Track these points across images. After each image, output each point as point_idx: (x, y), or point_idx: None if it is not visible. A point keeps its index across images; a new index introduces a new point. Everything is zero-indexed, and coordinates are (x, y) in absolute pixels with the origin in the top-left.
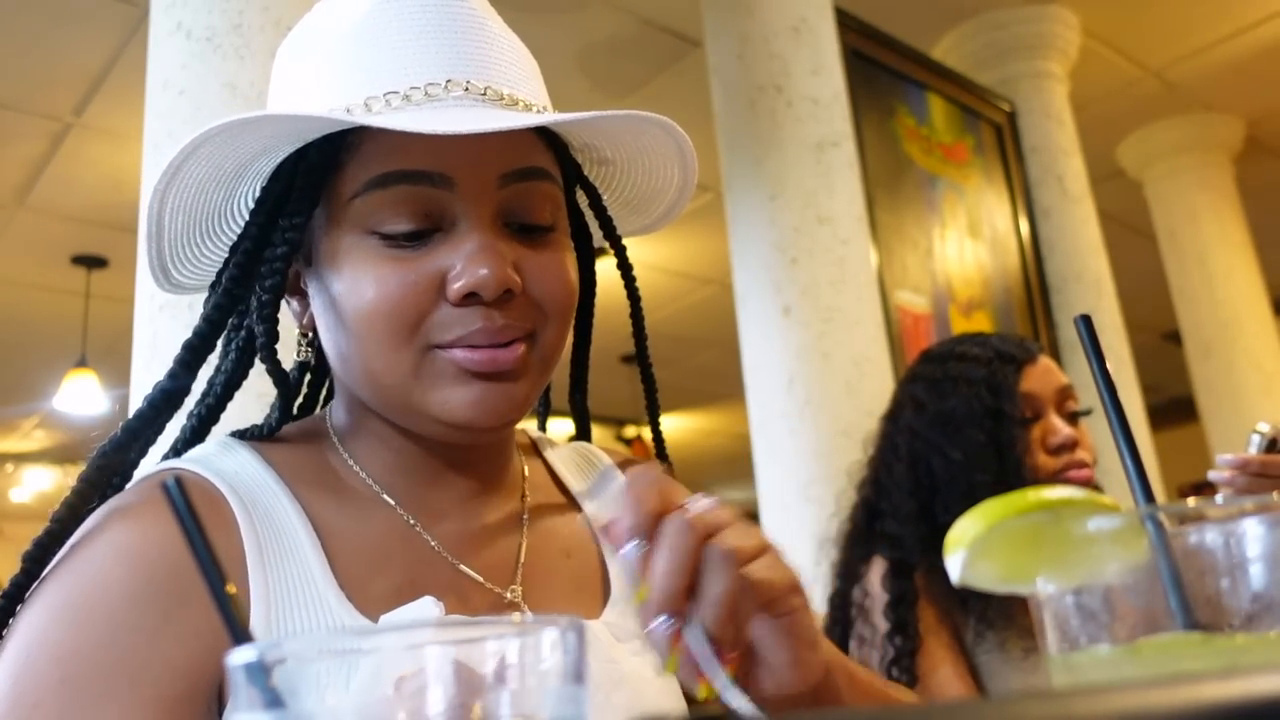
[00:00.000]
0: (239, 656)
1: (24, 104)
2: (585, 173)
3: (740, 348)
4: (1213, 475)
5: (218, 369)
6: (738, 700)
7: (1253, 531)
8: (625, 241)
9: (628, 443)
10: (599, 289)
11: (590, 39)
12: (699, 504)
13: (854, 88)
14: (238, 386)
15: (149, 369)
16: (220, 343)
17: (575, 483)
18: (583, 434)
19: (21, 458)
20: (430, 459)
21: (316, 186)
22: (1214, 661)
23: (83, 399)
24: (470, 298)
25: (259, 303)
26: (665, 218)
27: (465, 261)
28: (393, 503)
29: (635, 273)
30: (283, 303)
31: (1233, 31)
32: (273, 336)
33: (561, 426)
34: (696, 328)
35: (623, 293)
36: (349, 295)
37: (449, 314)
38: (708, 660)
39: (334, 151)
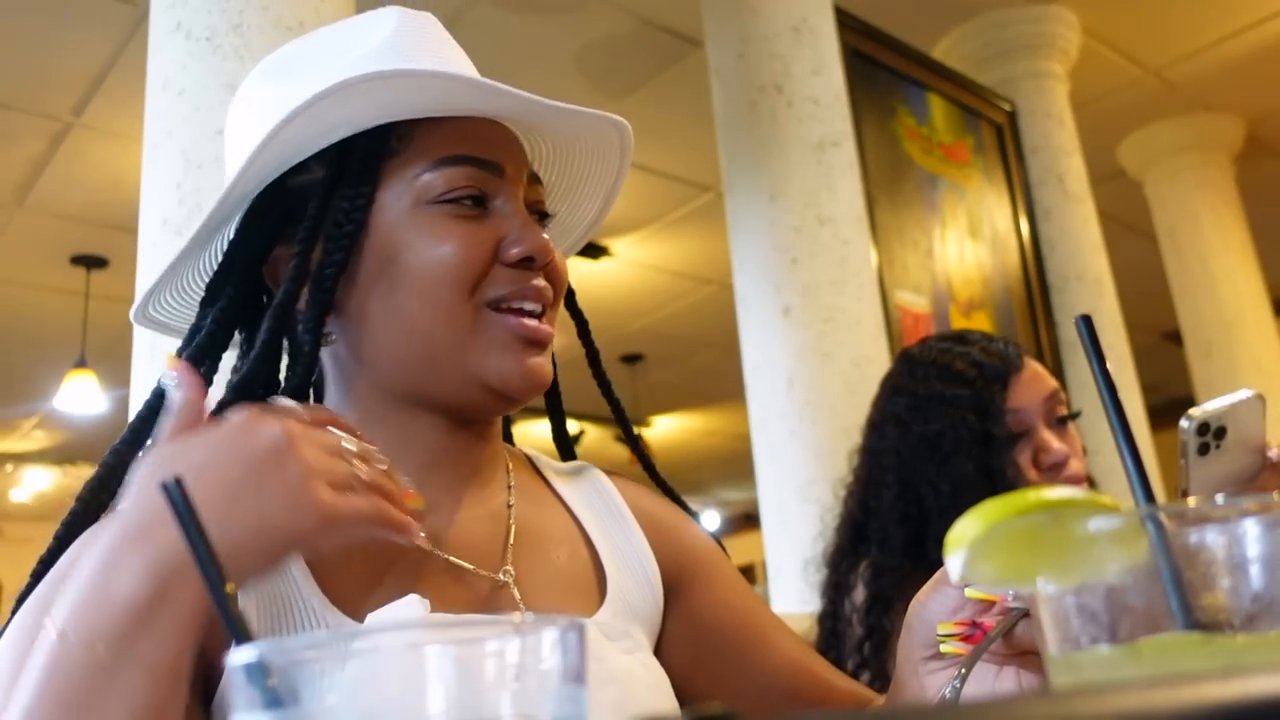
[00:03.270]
0: (239, 657)
1: (24, 104)
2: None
3: (740, 348)
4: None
5: (236, 369)
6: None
7: (1253, 531)
8: (624, 241)
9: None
10: (598, 289)
11: (589, 38)
12: None
13: (854, 88)
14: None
15: (148, 369)
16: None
17: (574, 499)
18: (557, 420)
19: (21, 458)
20: (419, 448)
21: (375, 171)
22: (1214, 661)
23: (82, 399)
24: (524, 261)
25: (320, 288)
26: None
27: (520, 231)
28: None
29: (635, 273)
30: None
31: (1233, 31)
32: (318, 338)
33: (541, 429)
34: (696, 328)
35: (622, 292)
36: (420, 254)
37: (503, 274)
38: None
39: (384, 139)
